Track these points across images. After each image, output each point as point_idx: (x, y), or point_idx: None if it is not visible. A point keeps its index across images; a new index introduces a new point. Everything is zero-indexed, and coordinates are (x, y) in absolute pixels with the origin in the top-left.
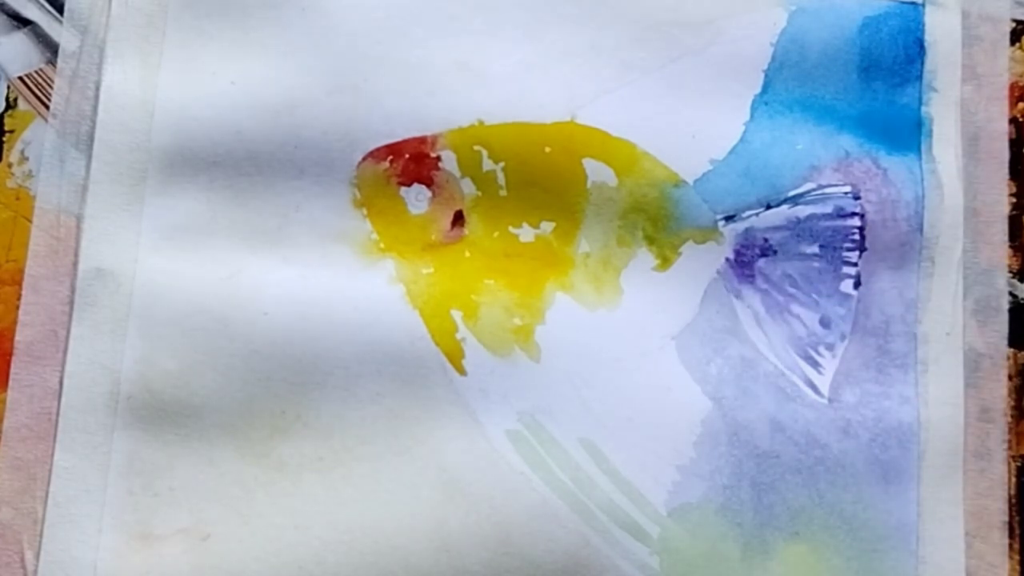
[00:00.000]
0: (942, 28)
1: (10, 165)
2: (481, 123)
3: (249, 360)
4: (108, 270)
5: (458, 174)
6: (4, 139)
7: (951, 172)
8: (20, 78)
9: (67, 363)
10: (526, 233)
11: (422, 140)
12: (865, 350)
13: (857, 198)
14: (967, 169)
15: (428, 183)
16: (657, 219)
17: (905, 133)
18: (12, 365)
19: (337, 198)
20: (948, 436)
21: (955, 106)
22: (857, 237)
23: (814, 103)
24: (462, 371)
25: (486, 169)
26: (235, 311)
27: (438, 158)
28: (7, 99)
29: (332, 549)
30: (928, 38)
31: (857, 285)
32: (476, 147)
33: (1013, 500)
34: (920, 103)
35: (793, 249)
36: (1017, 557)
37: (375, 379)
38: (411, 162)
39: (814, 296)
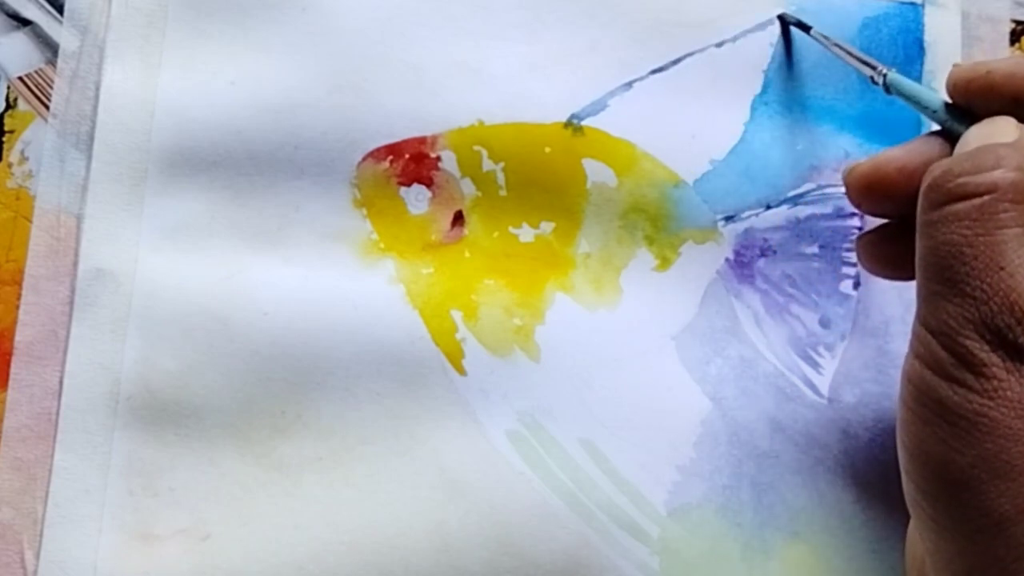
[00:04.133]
0: (942, 28)
1: (10, 165)
2: (481, 123)
3: (249, 360)
4: (108, 270)
5: (458, 174)
6: (4, 139)
7: None
8: (20, 78)
9: (67, 363)
10: (526, 233)
11: (422, 140)
12: (865, 350)
13: None
14: None
15: (428, 183)
16: (657, 219)
17: (905, 133)
18: (12, 365)
19: (337, 198)
20: None
21: None
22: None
23: (814, 103)
24: (462, 371)
25: (486, 169)
26: (235, 311)
27: (438, 158)
28: (7, 99)
29: (332, 549)
30: (928, 38)
31: (857, 285)
32: (476, 147)
33: None
34: None
35: (793, 249)
36: None
37: (375, 379)
38: (411, 162)
39: (814, 296)
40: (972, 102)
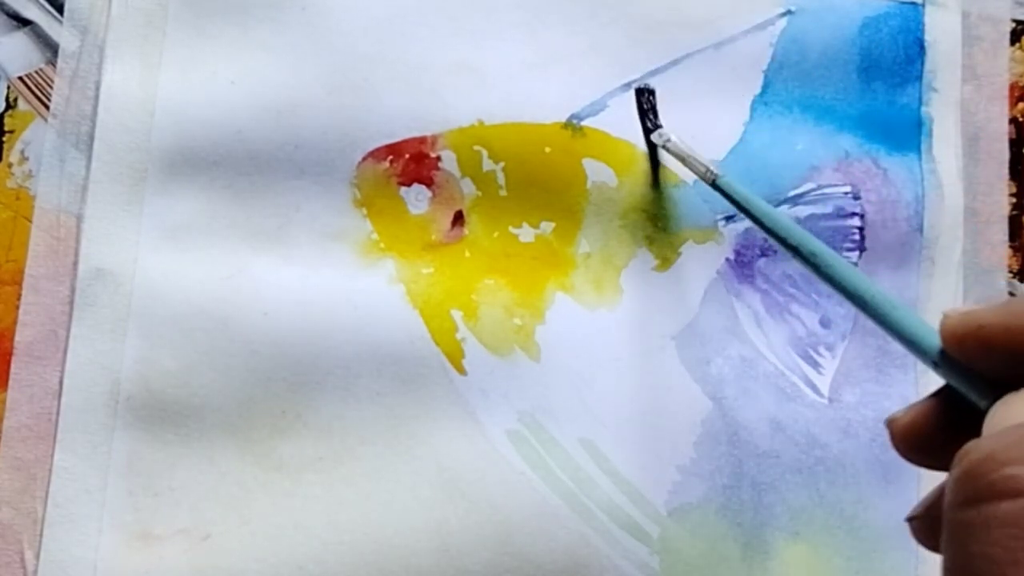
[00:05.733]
0: (942, 28)
1: (10, 165)
2: (481, 123)
3: (249, 360)
4: (108, 270)
5: (458, 174)
6: (4, 139)
7: (951, 172)
8: (20, 78)
9: (67, 363)
10: (526, 233)
11: (422, 140)
12: (865, 350)
13: (857, 198)
14: (967, 169)
15: (428, 183)
16: (657, 219)
17: (905, 133)
18: (12, 365)
19: (337, 198)
20: None
21: (955, 106)
22: (857, 237)
23: (814, 103)
24: (462, 371)
25: (486, 169)
26: (235, 311)
27: (438, 158)
28: (7, 99)
29: (332, 549)
30: (928, 38)
31: None
32: (476, 147)
33: None
34: (920, 103)
35: None
36: None
37: (375, 379)
38: (411, 162)
39: (814, 296)
40: (970, 358)
